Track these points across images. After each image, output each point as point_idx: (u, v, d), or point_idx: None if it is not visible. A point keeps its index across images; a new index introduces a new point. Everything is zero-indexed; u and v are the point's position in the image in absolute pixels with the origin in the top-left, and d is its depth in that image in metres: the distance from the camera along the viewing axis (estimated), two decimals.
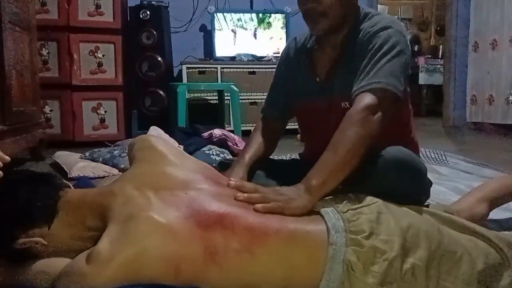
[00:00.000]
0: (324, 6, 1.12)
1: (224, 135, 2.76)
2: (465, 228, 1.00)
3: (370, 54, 1.12)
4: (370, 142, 1.03)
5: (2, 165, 0.88)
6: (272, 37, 4.41)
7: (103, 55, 3.50)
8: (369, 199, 1.00)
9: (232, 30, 4.39)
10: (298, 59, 1.31)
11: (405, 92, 1.17)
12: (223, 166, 1.33)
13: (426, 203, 1.19)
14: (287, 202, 0.94)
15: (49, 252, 0.89)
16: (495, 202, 1.27)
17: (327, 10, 1.13)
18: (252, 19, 4.40)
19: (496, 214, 1.41)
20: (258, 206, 0.91)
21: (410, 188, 1.08)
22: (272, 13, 4.46)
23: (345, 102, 1.16)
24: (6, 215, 0.87)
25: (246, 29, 4.40)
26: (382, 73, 1.09)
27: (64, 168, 2.33)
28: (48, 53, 3.38)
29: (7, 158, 0.90)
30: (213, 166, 1.14)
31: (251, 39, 4.41)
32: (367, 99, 1.06)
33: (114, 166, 2.37)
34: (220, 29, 4.34)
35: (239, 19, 4.38)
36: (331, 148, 1.02)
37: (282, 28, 4.41)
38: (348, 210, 0.96)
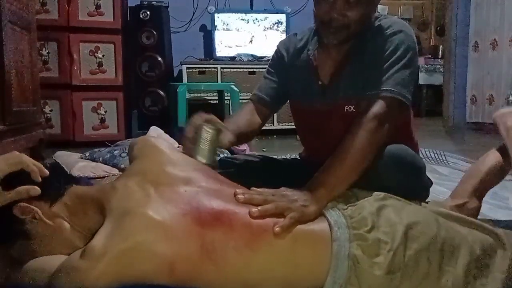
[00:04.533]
0: (349, 20, 1.09)
1: None
2: (461, 220, 1.01)
3: (382, 59, 1.11)
4: (377, 149, 1.05)
5: (40, 179, 0.88)
6: (272, 37, 4.41)
7: (103, 55, 3.50)
8: (367, 193, 1.01)
9: (232, 30, 4.39)
10: (298, 58, 1.28)
11: None
12: (224, 164, 1.33)
13: (425, 202, 1.20)
14: (301, 210, 0.92)
15: (44, 235, 0.89)
16: (485, 190, 1.26)
17: (351, 24, 1.10)
18: (252, 19, 4.41)
19: (496, 213, 1.41)
20: (254, 210, 0.89)
21: (409, 185, 1.08)
22: (272, 13, 4.47)
23: (350, 106, 1.15)
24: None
25: (246, 29, 4.40)
26: (394, 81, 1.09)
27: (64, 168, 2.33)
28: (48, 53, 3.38)
29: (46, 171, 0.90)
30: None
31: (251, 39, 4.42)
32: (378, 107, 1.06)
33: (114, 166, 2.38)
34: (220, 29, 4.34)
35: (239, 19, 4.38)
36: (340, 155, 1.02)
37: (282, 28, 4.41)
38: (348, 207, 0.98)
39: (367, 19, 1.14)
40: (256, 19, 4.41)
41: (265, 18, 4.43)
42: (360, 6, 1.09)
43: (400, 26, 1.15)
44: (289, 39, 1.34)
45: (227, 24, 4.37)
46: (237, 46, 4.37)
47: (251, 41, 4.42)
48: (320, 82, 1.22)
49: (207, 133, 1.05)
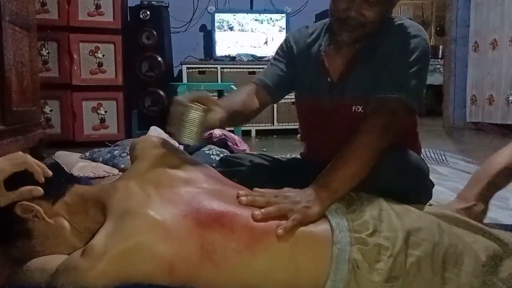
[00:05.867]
0: (367, 19, 1.08)
1: (224, 135, 2.76)
2: (467, 224, 1.00)
3: (395, 61, 1.10)
4: (382, 153, 1.04)
5: (43, 180, 0.89)
6: (272, 37, 4.41)
7: (103, 55, 3.50)
8: (370, 197, 1.01)
9: (232, 30, 4.39)
10: (308, 52, 1.26)
11: None
12: (224, 163, 1.32)
13: (427, 204, 1.19)
14: (303, 212, 0.91)
15: (45, 234, 0.89)
16: (492, 193, 1.25)
17: (367, 23, 1.09)
18: (252, 19, 4.41)
19: (496, 213, 1.41)
20: (257, 213, 0.89)
21: (413, 188, 1.08)
22: (272, 13, 4.47)
23: (357, 106, 1.14)
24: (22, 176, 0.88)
25: (246, 29, 4.40)
26: (405, 86, 1.08)
27: (64, 168, 2.33)
28: (48, 53, 3.38)
29: (50, 172, 0.90)
30: (212, 167, 1.14)
31: (251, 39, 4.42)
32: (387, 112, 1.05)
33: (114, 166, 2.38)
34: (220, 29, 4.34)
35: (239, 19, 4.38)
36: (345, 157, 1.01)
37: (282, 28, 4.41)
38: (350, 209, 0.97)
39: (383, 19, 1.12)
40: (256, 19, 4.41)
41: (265, 18, 4.43)
42: (379, 6, 1.07)
43: (416, 30, 1.13)
44: (300, 31, 1.32)
45: (227, 24, 4.37)
46: (237, 46, 4.37)
47: (250, 41, 4.42)
48: (328, 79, 1.20)
49: (193, 113, 0.98)
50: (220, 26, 4.35)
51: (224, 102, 1.12)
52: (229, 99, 1.21)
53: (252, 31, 4.41)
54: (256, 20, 4.40)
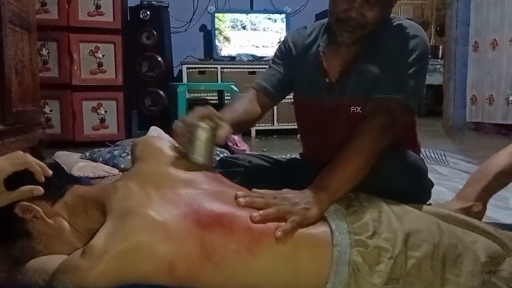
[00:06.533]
0: (367, 20, 1.08)
1: None
2: (464, 223, 1.00)
3: (394, 62, 1.10)
4: (381, 153, 1.03)
5: (44, 180, 0.89)
6: (272, 37, 4.41)
7: (103, 55, 3.50)
8: (369, 198, 1.01)
9: (232, 30, 4.39)
10: (307, 52, 1.25)
11: None
12: (225, 164, 1.32)
13: (427, 204, 1.19)
14: (302, 213, 0.91)
15: (45, 235, 0.89)
16: (490, 194, 1.25)
17: (368, 24, 1.09)
18: (252, 19, 4.41)
19: (496, 213, 1.41)
20: (255, 215, 0.88)
21: (412, 188, 1.08)
22: (272, 13, 4.47)
23: (356, 107, 1.14)
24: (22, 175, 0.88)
25: (246, 29, 4.40)
26: (404, 87, 1.08)
27: (64, 168, 2.33)
28: (48, 53, 3.38)
29: (50, 172, 0.91)
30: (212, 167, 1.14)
31: (251, 39, 4.42)
32: (386, 112, 1.05)
33: (114, 166, 2.38)
34: (220, 29, 4.34)
35: (239, 19, 4.38)
36: (344, 158, 1.01)
37: (282, 28, 4.41)
38: (349, 210, 0.97)
39: (383, 20, 1.13)
40: (256, 19, 4.41)
41: (265, 18, 4.43)
42: (379, 7, 1.07)
43: (415, 30, 1.13)
44: (298, 32, 1.32)
45: (227, 24, 4.37)
46: (237, 46, 4.37)
47: (251, 41, 4.41)
48: (327, 80, 1.20)
49: (203, 131, 0.99)
50: (234, 26, 4.35)
51: (227, 114, 1.13)
52: (232, 110, 1.21)
53: (264, 30, 4.42)
54: (269, 19, 4.41)
